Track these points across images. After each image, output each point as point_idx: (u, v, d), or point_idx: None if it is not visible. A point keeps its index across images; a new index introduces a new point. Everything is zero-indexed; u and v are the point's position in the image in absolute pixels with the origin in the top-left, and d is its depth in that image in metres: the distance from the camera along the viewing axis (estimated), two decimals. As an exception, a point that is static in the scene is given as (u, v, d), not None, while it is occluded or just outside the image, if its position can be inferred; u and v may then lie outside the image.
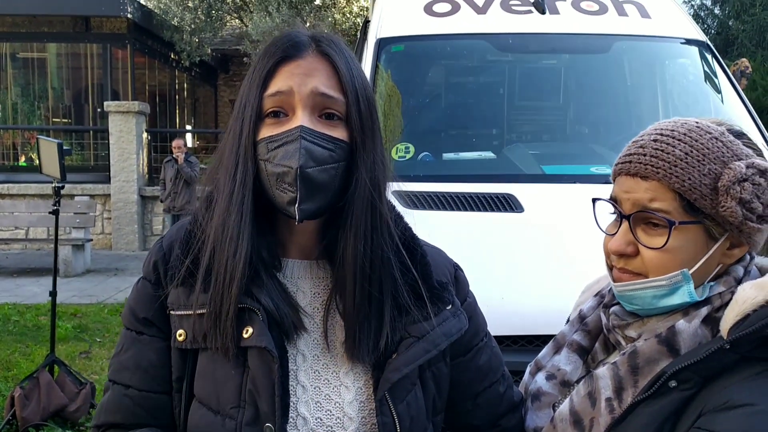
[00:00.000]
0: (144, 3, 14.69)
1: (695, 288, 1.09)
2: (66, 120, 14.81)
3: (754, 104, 12.18)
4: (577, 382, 1.20)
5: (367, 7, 12.97)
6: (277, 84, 1.07)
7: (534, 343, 2.35)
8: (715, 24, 18.38)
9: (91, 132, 13.80)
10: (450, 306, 1.17)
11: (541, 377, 1.26)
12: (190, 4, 14.87)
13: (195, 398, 1.10)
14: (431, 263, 1.19)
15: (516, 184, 3.00)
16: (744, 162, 1.05)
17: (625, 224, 1.12)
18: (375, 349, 1.08)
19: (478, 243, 2.60)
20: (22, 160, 13.80)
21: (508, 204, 2.83)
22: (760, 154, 1.11)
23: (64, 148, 4.60)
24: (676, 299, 1.09)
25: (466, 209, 2.81)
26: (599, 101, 3.89)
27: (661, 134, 1.11)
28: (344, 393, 1.10)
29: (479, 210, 2.81)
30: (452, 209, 2.79)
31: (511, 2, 3.81)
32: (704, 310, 1.07)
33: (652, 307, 1.11)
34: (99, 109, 13.54)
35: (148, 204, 12.07)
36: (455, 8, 3.79)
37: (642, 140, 1.13)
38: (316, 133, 1.05)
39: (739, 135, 1.11)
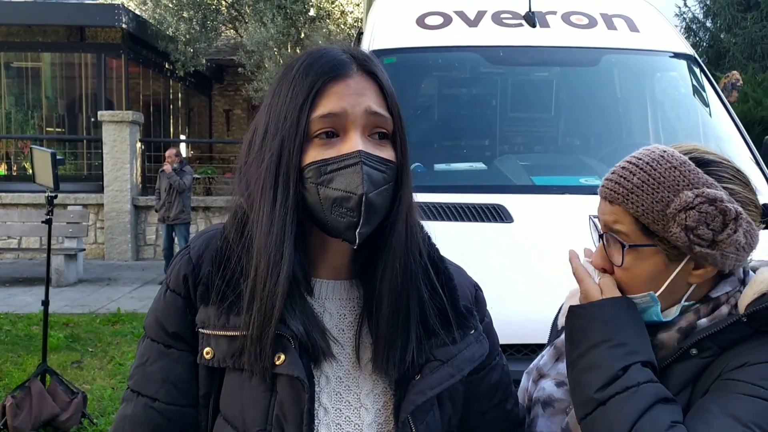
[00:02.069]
0: (139, 13, 14.72)
1: (671, 307, 1.20)
2: (60, 129, 14.79)
3: (745, 116, 12.26)
4: None
5: (361, 19, 13.04)
6: (329, 105, 1.04)
7: (522, 352, 2.37)
8: (707, 37, 18.55)
9: (85, 141, 13.79)
10: (473, 331, 1.18)
11: (549, 384, 1.32)
12: (185, 15, 14.90)
13: (220, 415, 1.10)
14: (457, 286, 1.20)
15: (506, 195, 3.03)
16: (694, 191, 1.13)
17: (601, 242, 1.24)
18: (401, 364, 1.09)
19: (467, 253, 2.61)
20: (2, 169, 13.74)
21: (497, 214, 2.86)
22: (731, 180, 1.17)
23: (58, 157, 4.62)
24: (645, 317, 1.19)
25: (456, 219, 2.83)
26: (589, 113, 3.93)
27: (629, 162, 1.21)
28: (364, 415, 1.11)
29: (469, 220, 2.84)
30: (442, 219, 2.81)
31: (502, 15, 3.86)
32: (724, 309, 1.18)
33: None
34: (93, 119, 13.54)
35: (141, 214, 12.06)
36: (447, 21, 3.83)
37: (616, 167, 1.23)
38: (373, 157, 1.04)
39: (706, 163, 1.18)
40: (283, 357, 1.03)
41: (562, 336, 1.34)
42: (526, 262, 2.66)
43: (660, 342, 1.19)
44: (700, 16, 18.72)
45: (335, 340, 1.11)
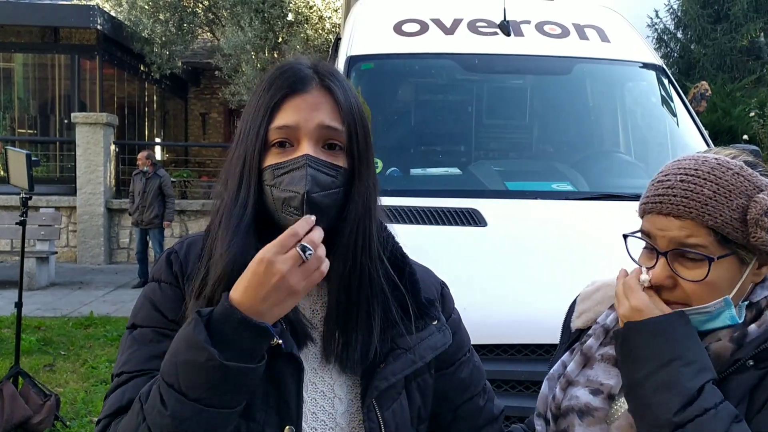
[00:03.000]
0: (114, 15, 14.60)
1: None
2: (32, 131, 14.60)
3: (714, 126, 12.45)
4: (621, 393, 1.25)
5: (339, 24, 13.08)
6: (284, 118, 1.13)
7: (494, 352, 2.43)
8: (678, 48, 18.92)
9: (58, 143, 13.64)
10: (436, 321, 1.25)
11: (583, 392, 1.27)
12: (161, 17, 14.82)
13: None
14: (420, 281, 1.27)
15: (480, 200, 3.09)
16: (766, 193, 1.15)
17: (662, 260, 1.19)
18: (364, 359, 1.16)
19: (442, 255, 2.68)
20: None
21: (472, 218, 2.92)
22: None
23: (33, 158, 4.60)
24: (719, 323, 1.18)
25: (431, 223, 2.89)
26: (562, 121, 4.02)
27: (687, 174, 1.18)
28: (337, 404, 1.17)
29: (444, 224, 2.90)
30: (418, 223, 2.87)
31: (477, 24, 3.94)
32: None
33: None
34: (66, 121, 13.39)
35: (114, 217, 11.95)
36: (424, 28, 3.90)
37: (668, 181, 1.20)
38: (320, 161, 1.11)
39: (754, 165, 1.21)
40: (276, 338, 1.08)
41: (588, 342, 1.32)
42: (500, 265, 2.73)
43: (713, 353, 1.17)
44: (672, 28, 19.10)
45: (313, 328, 1.18)
